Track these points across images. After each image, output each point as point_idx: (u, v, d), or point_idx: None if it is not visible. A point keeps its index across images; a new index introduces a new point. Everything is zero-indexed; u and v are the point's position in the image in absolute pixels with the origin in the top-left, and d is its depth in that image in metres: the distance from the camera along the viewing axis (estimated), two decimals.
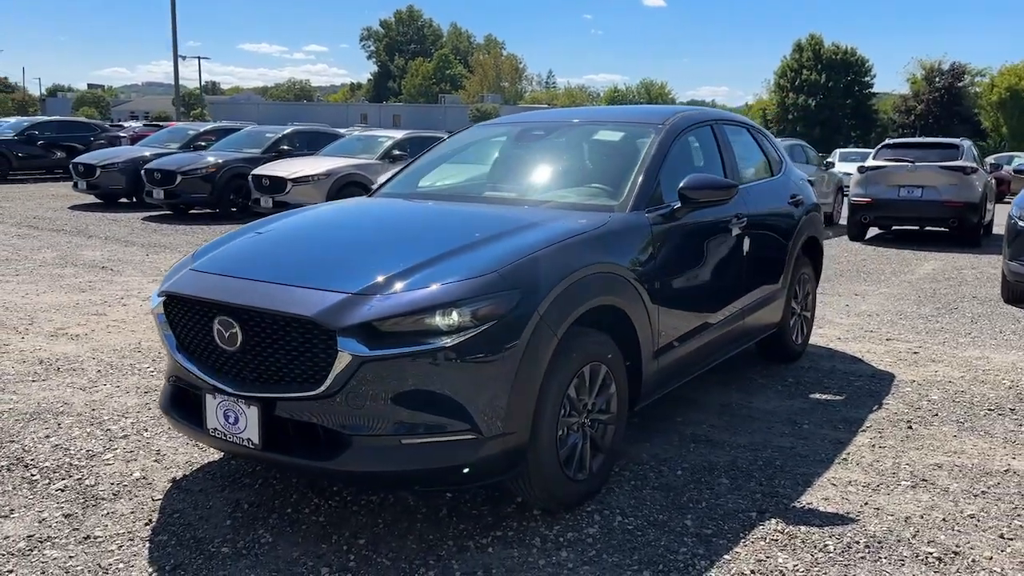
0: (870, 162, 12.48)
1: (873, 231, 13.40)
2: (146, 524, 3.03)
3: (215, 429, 2.92)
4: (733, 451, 3.80)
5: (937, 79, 53.71)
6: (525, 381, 2.77)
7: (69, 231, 11.34)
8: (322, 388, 2.66)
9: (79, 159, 15.02)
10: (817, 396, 4.70)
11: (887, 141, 13.45)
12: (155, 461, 3.60)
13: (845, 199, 13.66)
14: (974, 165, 11.92)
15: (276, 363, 2.77)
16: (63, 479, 3.39)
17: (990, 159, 20.05)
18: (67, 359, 5.14)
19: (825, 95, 56.74)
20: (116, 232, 11.39)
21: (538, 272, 2.89)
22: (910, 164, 11.94)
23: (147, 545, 2.88)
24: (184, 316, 3.04)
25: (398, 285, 2.74)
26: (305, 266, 3.00)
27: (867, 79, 58.47)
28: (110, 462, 3.59)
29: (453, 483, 2.81)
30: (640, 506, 3.19)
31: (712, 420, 4.22)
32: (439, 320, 2.65)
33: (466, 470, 2.70)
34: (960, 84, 53.96)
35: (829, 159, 19.66)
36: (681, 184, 3.68)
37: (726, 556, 2.83)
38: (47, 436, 3.85)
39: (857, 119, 57.91)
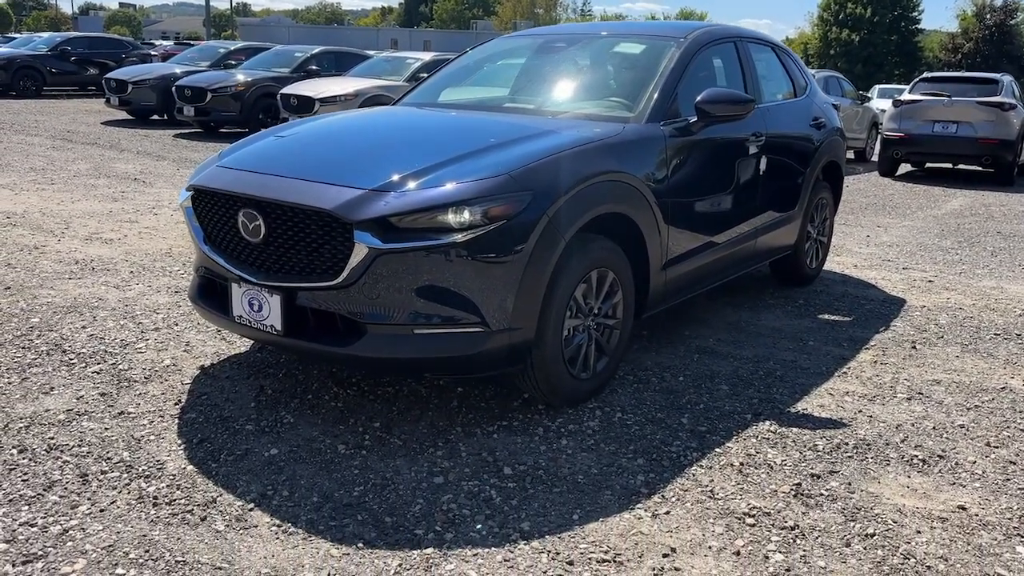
0: (905, 96, 12.21)
1: (905, 168, 13.19)
2: (176, 404, 3.25)
3: (240, 316, 3.10)
4: (736, 362, 3.93)
5: (988, 16, 51.54)
6: (532, 280, 2.89)
7: (102, 145, 11.54)
8: (340, 279, 2.81)
9: (111, 75, 15.13)
10: (825, 317, 4.78)
11: (924, 75, 13.11)
12: (184, 351, 3.81)
13: (879, 135, 13.41)
14: (1013, 101, 11.61)
15: (297, 254, 2.91)
16: (98, 363, 3.62)
17: None
18: (101, 261, 5.36)
19: (869, 30, 54.73)
20: (148, 147, 11.58)
21: (549, 176, 2.99)
22: (946, 99, 11.67)
23: (176, 421, 3.10)
24: (211, 210, 3.19)
25: (413, 183, 2.86)
26: (325, 164, 3.12)
27: (914, 14, 56.20)
28: (142, 350, 3.80)
29: (461, 372, 2.98)
30: (640, 405, 3.35)
31: (719, 335, 4.34)
32: (451, 217, 2.77)
33: (473, 357, 2.86)
34: (1012, 22, 51.75)
35: (866, 94, 19.20)
36: (698, 98, 3.71)
37: (717, 450, 2.99)
38: (83, 327, 4.08)
39: (901, 56, 55.93)
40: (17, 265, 5.16)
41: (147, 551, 2.28)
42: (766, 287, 5.37)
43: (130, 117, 15.38)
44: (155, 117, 15.31)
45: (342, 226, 2.80)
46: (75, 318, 4.20)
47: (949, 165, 12.66)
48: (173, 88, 13.66)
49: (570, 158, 3.12)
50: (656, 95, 3.73)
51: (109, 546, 2.30)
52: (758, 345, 4.20)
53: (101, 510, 2.47)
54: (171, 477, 2.70)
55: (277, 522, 2.45)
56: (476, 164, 2.97)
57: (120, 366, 3.60)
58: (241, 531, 2.41)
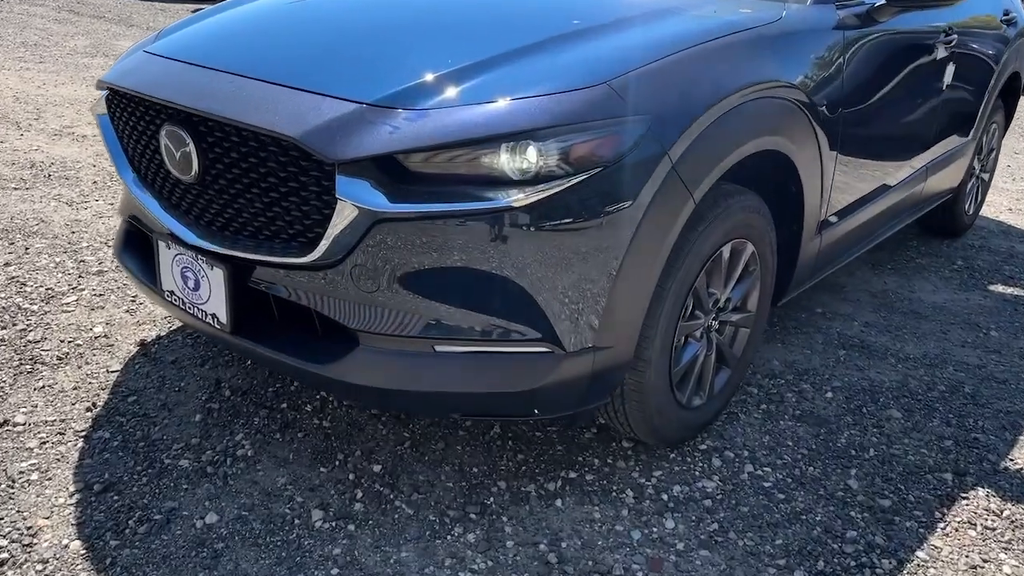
0: None
1: None
2: (88, 410, 2.20)
3: (171, 293, 2.00)
4: (901, 366, 2.74)
5: None
6: (637, 269, 1.72)
7: (111, 19, 10.28)
8: (315, 254, 1.67)
9: None
10: (999, 289, 3.53)
11: None
12: (127, 312, 2.74)
13: None
14: None
15: (249, 207, 1.77)
16: (2, 327, 2.57)
17: None
18: (63, 165, 4.27)
19: None
20: (162, 22, 10.29)
21: (675, 87, 1.76)
22: None
23: (80, 445, 2.06)
24: (130, 122, 2.04)
25: (440, 95, 1.65)
26: (300, 57, 1.91)
27: None
28: (70, 308, 2.74)
29: (511, 414, 1.85)
30: (777, 448, 2.21)
31: (865, 314, 3.13)
32: (505, 160, 1.58)
33: (532, 394, 1.72)
34: None
35: None
36: None
37: (920, 556, 1.85)
38: (5, 264, 3.02)
39: None
40: None
41: None
42: (907, 236, 4.09)
43: None
44: None
45: (317, 167, 1.63)
46: (0, 249, 3.15)
47: None
48: None
49: (705, 58, 1.86)
50: None
51: None
52: (923, 335, 2.99)
53: None
54: (39, 568, 1.67)
55: None
56: (547, 64, 1.74)
57: (30, 335, 2.55)
58: None
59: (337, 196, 1.58)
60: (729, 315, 2.18)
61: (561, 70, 1.71)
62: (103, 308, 2.76)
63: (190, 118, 1.79)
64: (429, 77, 1.69)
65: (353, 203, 1.58)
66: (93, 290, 2.88)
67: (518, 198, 1.55)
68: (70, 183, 3.99)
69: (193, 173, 1.81)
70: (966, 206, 4.08)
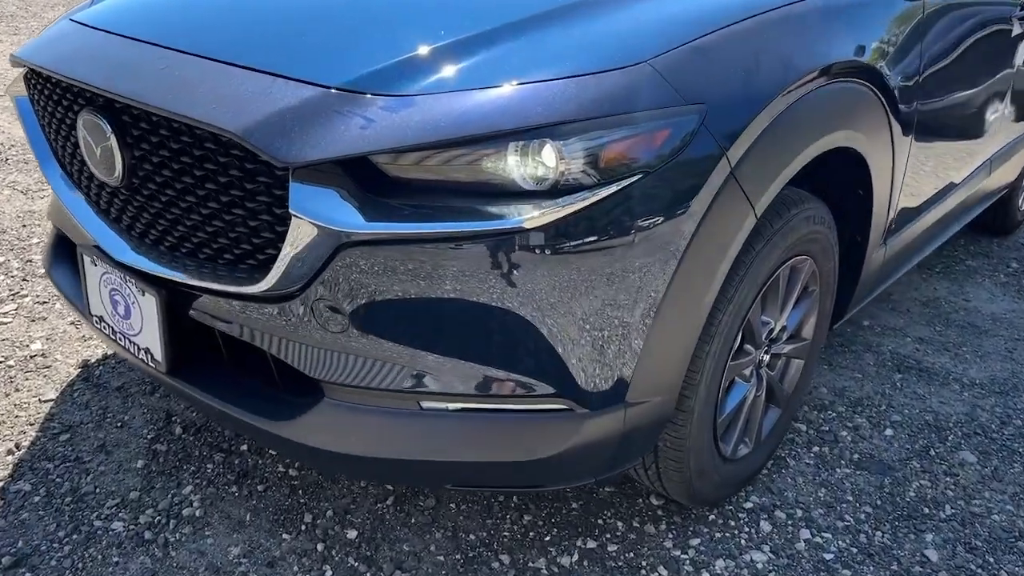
0: None
1: None
2: (9, 452, 1.83)
3: (100, 319, 1.62)
4: (966, 393, 2.37)
5: None
6: (686, 300, 1.34)
7: None
8: (265, 283, 1.28)
9: None
10: None
11: None
12: (72, 324, 2.37)
13: None
14: None
15: (185, 220, 1.38)
16: None
17: None
18: (23, 147, 3.87)
19: None
20: None
21: (735, 69, 1.36)
22: None
23: None
24: (47, 107, 1.65)
25: (429, 78, 1.26)
26: (251, 26, 1.50)
27: None
28: (7, 318, 2.37)
29: (520, 486, 1.47)
30: (836, 504, 1.84)
31: (918, 328, 2.75)
32: (515, 165, 1.19)
33: (548, 463, 1.35)
34: None
35: None
36: None
37: None
38: None
39: None
40: None
41: None
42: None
43: None
44: None
45: (266, 171, 1.25)
46: None
47: None
48: None
49: (773, 29, 1.46)
50: None
51: None
52: (986, 353, 2.61)
53: None
54: None
55: None
56: (568, 37, 1.34)
57: None
58: None
59: (291, 211, 1.20)
60: (782, 346, 1.80)
61: (587, 45, 1.31)
62: (45, 319, 2.38)
63: (112, 104, 1.41)
64: (414, 54, 1.29)
65: (312, 221, 1.19)
66: (37, 297, 2.50)
67: (531, 216, 1.17)
68: (29, 169, 3.60)
69: (116, 174, 1.42)
70: (1020, 202, 3.69)
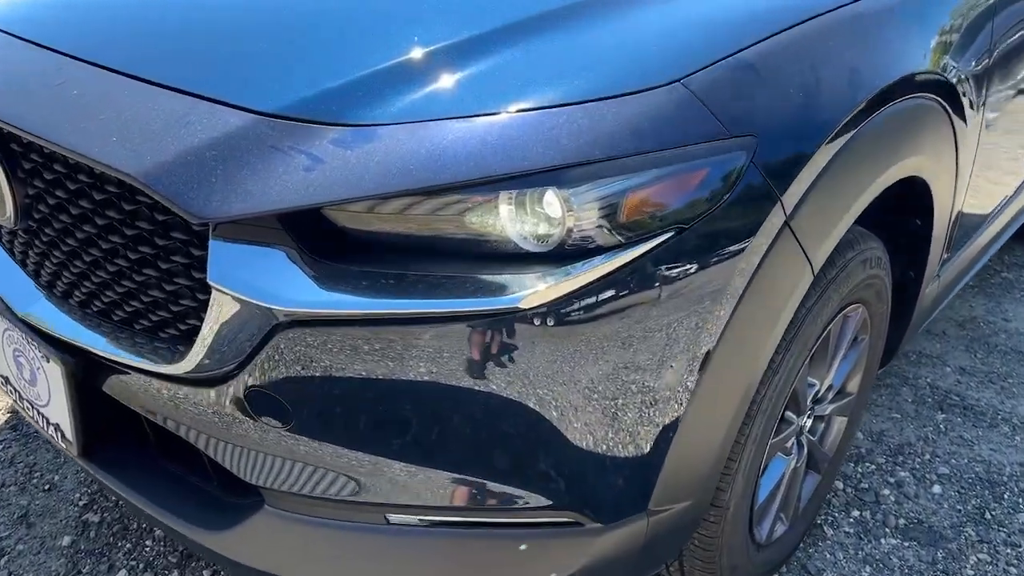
0: None
1: None
2: None
3: (5, 380, 1.33)
4: (1019, 437, 2.10)
5: None
6: (727, 381, 1.05)
7: None
8: (186, 363, 0.99)
9: None
10: None
11: None
12: None
13: None
14: None
15: (91, 275, 1.09)
16: None
17: None
18: None
19: None
20: None
21: (789, 90, 1.06)
22: None
23: None
24: None
25: (395, 101, 0.95)
26: (171, 32, 1.19)
27: None
28: None
29: None
30: None
31: (957, 355, 2.47)
32: (508, 218, 0.90)
33: None
34: None
35: None
36: None
37: None
38: None
39: None
40: None
41: None
42: None
43: None
44: None
45: (181, 226, 0.95)
46: None
47: None
48: None
49: (834, 36, 1.16)
50: None
51: None
52: None
53: None
54: None
55: None
56: (575, 48, 1.03)
57: None
58: None
59: (209, 282, 0.91)
60: (826, 406, 1.52)
61: (603, 58, 1.01)
62: None
63: None
64: (378, 68, 0.99)
65: (236, 296, 0.90)
66: None
67: (530, 292, 0.88)
68: None
69: (8, 215, 1.13)
70: None
